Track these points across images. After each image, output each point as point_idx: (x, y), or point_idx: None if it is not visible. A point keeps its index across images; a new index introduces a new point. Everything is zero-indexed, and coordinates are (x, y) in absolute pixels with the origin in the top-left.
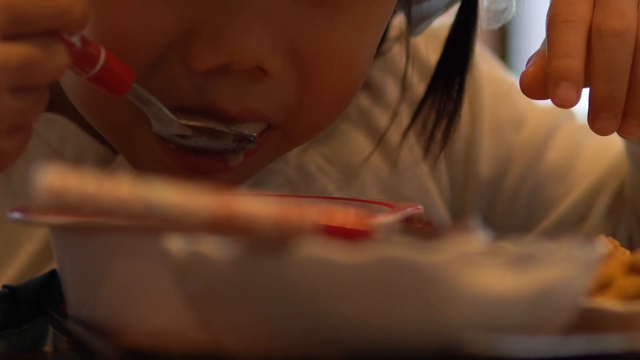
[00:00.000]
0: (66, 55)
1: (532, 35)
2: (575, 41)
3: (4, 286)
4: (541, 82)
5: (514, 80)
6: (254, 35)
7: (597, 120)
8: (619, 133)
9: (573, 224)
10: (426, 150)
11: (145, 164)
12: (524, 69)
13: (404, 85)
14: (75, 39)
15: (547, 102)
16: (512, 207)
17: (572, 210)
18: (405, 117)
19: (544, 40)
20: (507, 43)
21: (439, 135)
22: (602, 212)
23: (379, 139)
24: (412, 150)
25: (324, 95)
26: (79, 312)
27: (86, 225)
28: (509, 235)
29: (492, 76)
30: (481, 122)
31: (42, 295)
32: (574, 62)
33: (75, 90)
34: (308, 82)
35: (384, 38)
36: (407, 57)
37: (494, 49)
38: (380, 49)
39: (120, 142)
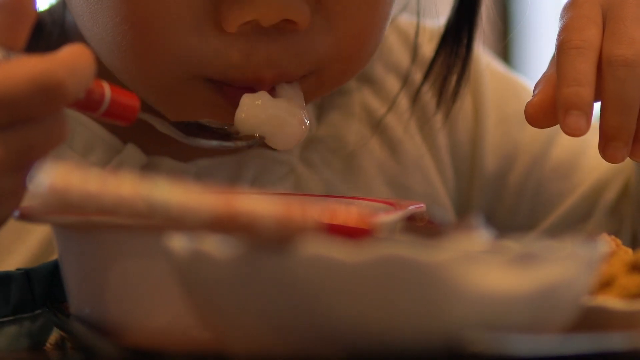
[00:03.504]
0: (65, 125)
1: (534, 35)
2: (585, 69)
3: (18, 269)
4: (547, 111)
5: (518, 77)
6: None
7: (608, 148)
8: (630, 157)
9: (577, 221)
10: (438, 104)
11: (195, 113)
12: (531, 91)
13: (414, 54)
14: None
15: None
16: (517, 202)
17: (576, 207)
18: (404, 103)
19: (550, 63)
20: (509, 42)
21: (450, 89)
22: (607, 210)
23: (379, 122)
24: (416, 142)
25: (353, 39)
26: (82, 311)
27: (89, 224)
28: (513, 231)
29: (494, 72)
30: (485, 117)
31: (54, 280)
32: (584, 90)
33: (117, 60)
34: (337, 30)
35: None
36: (418, 20)
37: (496, 49)
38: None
39: (169, 98)
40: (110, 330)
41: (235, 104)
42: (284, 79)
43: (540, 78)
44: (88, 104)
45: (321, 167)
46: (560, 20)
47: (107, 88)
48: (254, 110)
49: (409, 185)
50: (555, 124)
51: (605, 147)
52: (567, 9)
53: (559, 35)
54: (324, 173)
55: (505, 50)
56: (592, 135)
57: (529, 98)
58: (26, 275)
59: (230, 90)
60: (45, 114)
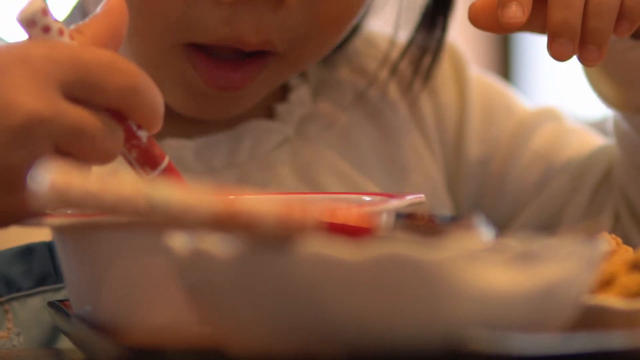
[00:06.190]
0: (120, 143)
1: (535, 51)
2: None
3: (40, 242)
4: (488, 12)
5: (506, 87)
6: None
7: (554, 45)
8: (579, 61)
9: (560, 206)
10: (411, 84)
11: (175, 92)
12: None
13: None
14: (143, 134)
15: (535, 104)
16: (501, 188)
17: (558, 192)
18: (394, 91)
19: None
20: (509, 59)
21: (422, 69)
22: (587, 194)
23: (360, 95)
24: (409, 128)
25: (327, 26)
26: (82, 309)
27: (89, 223)
28: (499, 218)
29: (479, 77)
30: (470, 106)
31: None
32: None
33: None
34: (315, 13)
35: None
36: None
37: (495, 68)
38: None
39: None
40: (111, 328)
41: (204, 78)
42: (267, 47)
43: None
44: (147, 155)
45: (317, 140)
46: None
47: (167, 157)
48: None
49: (402, 162)
50: (492, 30)
51: (552, 44)
52: None
53: None
54: (319, 145)
55: (505, 65)
56: (572, 133)
57: (512, 94)
58: (47, 246)
59: (204, 61)
60: None
